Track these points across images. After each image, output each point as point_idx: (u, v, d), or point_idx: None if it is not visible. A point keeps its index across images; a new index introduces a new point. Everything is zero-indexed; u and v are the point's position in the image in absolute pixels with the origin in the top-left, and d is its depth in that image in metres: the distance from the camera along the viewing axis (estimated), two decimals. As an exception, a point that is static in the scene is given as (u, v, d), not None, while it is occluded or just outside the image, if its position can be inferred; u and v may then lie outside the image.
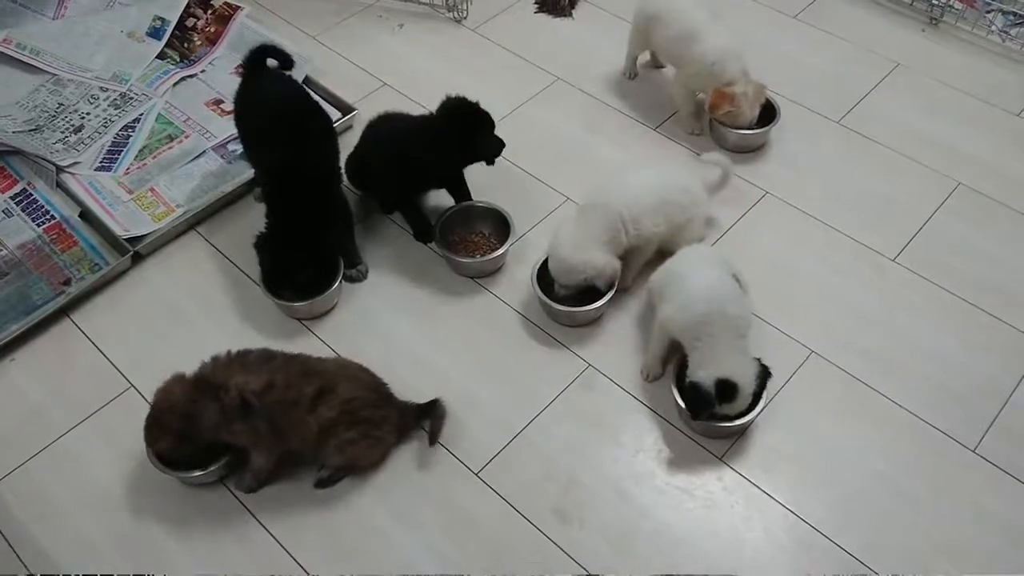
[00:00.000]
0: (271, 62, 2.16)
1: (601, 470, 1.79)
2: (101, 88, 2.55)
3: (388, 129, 2.13)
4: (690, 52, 2.29)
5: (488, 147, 2.06)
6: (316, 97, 2.25)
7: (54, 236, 2.21)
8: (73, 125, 2.45)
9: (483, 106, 2.03)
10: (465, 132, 2.03)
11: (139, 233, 2.17)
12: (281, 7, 2.88)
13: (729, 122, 2.31)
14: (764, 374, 1.77)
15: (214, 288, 2.13)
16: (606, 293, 1.96)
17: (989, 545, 1.67)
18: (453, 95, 2.04)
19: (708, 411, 1.74)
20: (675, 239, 2.03)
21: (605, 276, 1.92)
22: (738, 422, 1.77)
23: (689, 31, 2.29)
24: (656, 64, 2.62)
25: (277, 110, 2.07)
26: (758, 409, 1.78)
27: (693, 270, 1.86)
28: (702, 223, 2.11)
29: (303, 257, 1.97)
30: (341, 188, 2.13)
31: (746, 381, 1.73)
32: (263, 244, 1.99)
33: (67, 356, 2.01)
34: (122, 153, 2.38)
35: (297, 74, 2.37)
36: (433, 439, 1.80)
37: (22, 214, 2.25)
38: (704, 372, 1.73)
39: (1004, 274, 2.09)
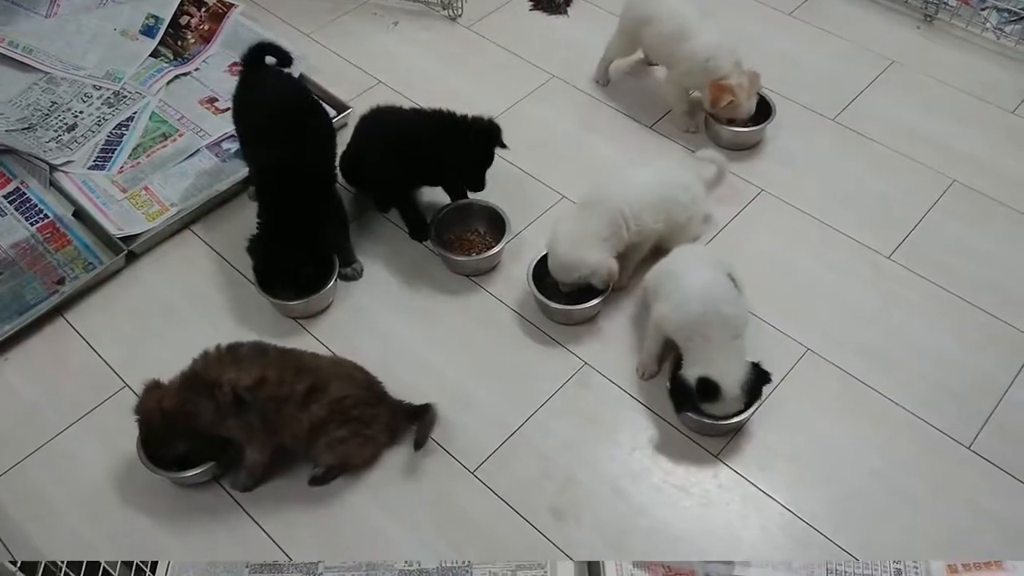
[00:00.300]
0: (269, 60, 2.15)
1: (597, 468, 1.79)
2: (94, 86, 2.54)
3: (384, 122, 2.12)
4: (681, 50, 2.29)
5: (476, 177, 2.07)
6: (310, 95, 2.25)
7: (48, 235, 2.20)
8: (66, 124, 2.44)
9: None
10: (472, 150, 2.03)
11: (133, 232, 2.17)
12: (275, 5, 2.87)
13: (730, 113, 2.30)
14: (761, 377, 1.76)
15: (209, 287, 2.12)
16: (605, 291, 1.96)
17: (985, 542, 1.67)
18: (487, 117, 2.04)
19: (687, 406, 1.74)
20: (673, 236, 2.03)
21: (600, 274, 1.92)
22: (732, 420, 1.77)
23: (680, 30, 2.28)
24: (650, 62, 2.61)
25: (276, 108, 2.07)
26: (752, 409, 1.77)
27: (688, 269, 1.86)
28: (700, 221, 2.11)
29: (302, 255, 1.96)
30: (336, 186, 2.12)
31: (731, 382, 1.72)
32: (255, 246, 1.97)
33: (61, 355, 2.01)
34: (116, 152, 2.37)
35: (292, 72, 2.37)
36: (418, 445, 1.78)
37: (15, 213, 2.24)
38: (693, 371, 1.73)
39: (999, 271, 2.09)
